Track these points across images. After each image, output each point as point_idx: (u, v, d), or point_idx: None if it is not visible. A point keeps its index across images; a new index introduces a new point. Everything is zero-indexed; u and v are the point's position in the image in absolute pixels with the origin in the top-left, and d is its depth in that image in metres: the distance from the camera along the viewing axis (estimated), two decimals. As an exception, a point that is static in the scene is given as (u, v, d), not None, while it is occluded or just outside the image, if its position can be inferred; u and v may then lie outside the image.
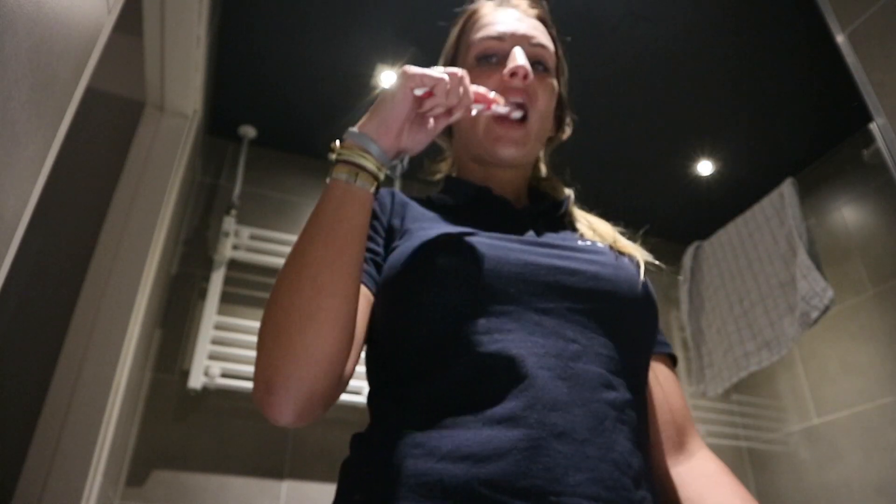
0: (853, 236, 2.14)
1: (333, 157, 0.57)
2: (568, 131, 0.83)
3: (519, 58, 0.68)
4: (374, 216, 0.67)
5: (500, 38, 0.72)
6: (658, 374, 0.69)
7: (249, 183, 2.19)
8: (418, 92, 0.58)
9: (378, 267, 0.63)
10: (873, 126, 1.09)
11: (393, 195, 0.71)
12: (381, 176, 0.57)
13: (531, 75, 0.68)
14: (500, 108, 0.65)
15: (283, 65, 1.95)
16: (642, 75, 1.95)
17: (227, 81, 2.02)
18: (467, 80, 0.59)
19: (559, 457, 0.49)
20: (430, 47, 2.04)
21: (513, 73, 0.67)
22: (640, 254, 0.67)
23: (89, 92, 0.71)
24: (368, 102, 2.07)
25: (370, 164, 0.56)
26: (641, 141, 2.22)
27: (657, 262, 0.69)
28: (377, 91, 2.02)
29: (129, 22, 1.39)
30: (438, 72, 0.58)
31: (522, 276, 0.58)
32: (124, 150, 1.55)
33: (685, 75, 1.95)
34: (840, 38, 1.16)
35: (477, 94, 0.62)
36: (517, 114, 0.68)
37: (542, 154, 0.84)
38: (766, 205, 2.18)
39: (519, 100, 0.69)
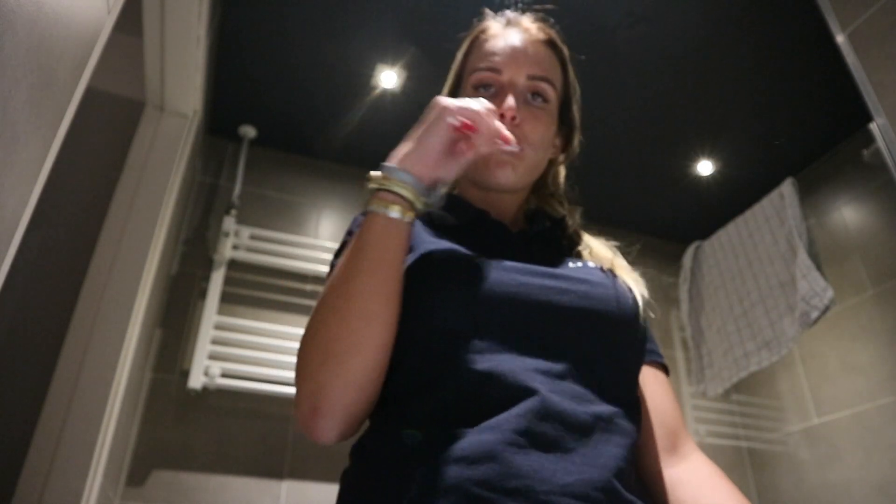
0: (853, 236, 2.14)
1: (373, 186, 0.58)
2: (573, 153, 0.83)
3: (508, 101, 0.70)
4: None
5: (497, 70, 0.73)
6: (650, 379, 0.70)
7: (249, 183, 2.19)
8: (452, 121, 0.59)
9: None
10: (873, 126, 1.09)
11: None
12: (419, 205, 0.58)
13: (518, 118, 0.70)
14: (509, 147, 0.66)
15: (284, 65, 1.95)
16: (642, 76, 1.95)
17: (227, 81, 2.02)
18: (495, 116, 0.62)
19: (549, 461, 0.51)
20: (430, 47, 2.04)
21: (501, 115, 0.69)
22: (638, 287, 0.68)
23: (89, 92, 0.71)
24: (369, 102, 2.05)
25: (409, 195, 0.57)
26: (641, 141, 2.22)
27: (650, 300, 0.70)
28: (377, 90, 2.03)
29: (129, 22, 1.39)
30: (476, 104, 0.60)
31: (516, 297, 0.60)
32: (124, 150, 1.55)
33: (685, 75, 1.95)
34: (840, 38, 1.16)
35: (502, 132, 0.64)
36: (511, 147, 0.68)
37: (553, 176, 0.84)
38: (766, 205, 2.18)
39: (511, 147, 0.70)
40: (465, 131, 0.59)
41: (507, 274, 0.62)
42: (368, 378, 0.55)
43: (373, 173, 0.59)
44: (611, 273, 0.68)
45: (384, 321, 0.56)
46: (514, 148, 0.66)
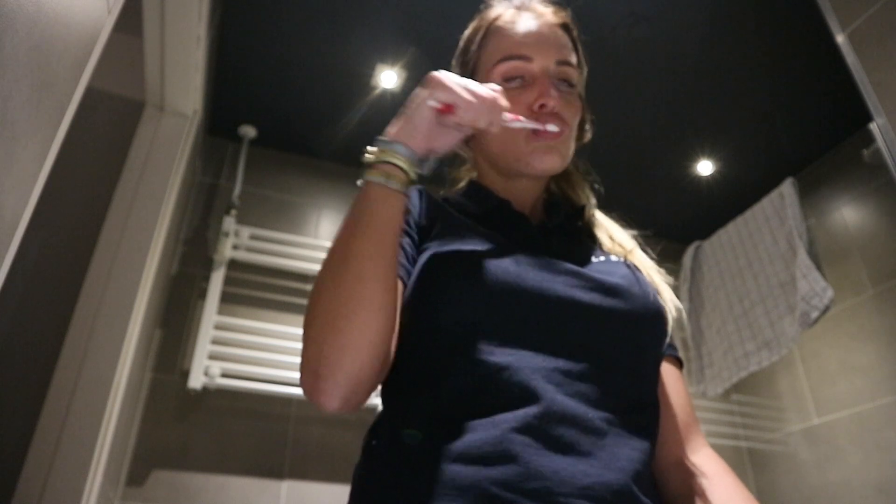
0: (853, 236, 2.14)
1: (369, 157, 0.59)
2: (589, 133, 0.83)
3: (552, 92, 0.68)
4: (406, 211, 0.68)
5: (527, 58, 0.71)
6: (665, 373, 0.70)
7: (249, 183, 2.19)
8: (432, 103, 0.58)
9: (408, 259, 0.64)
10: (873, 126, 1.09)
11: (421, 193, 0.72)
12: (413, 175, 0.59)
13: (558, 106, 0.69)
14: (535, 125, 0.66)
15: (283, 65, 1.95)
16: (642, 75, 1.95)
17: (227, 81, 2.02)
18: (502, 101, 0.61)
19: (567, 463, 0.51)
20: (431, 47, 2.04)
21: (542, 105, 0.68)
22: (668, 290, 0.67)
23: (89, 92, 0.71)
24: (368, 102, 2.04)
25: (404, 164, 0.58)
26: (641, 141, 2.22)
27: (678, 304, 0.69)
28: (377, 90, 2.03)
29: (129, 22, 1.39)
30: (464, 90, 0.58)
31: (538, 294, 0.59)
32: (124, 150, 1.55)
33: (685, 75, 1.95)
34: (840, 38, 1.16)
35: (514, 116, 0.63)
36: (552, 127, 0.68)
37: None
38: (766, 205, 2.18)
39: (553, 126, 0.69)
40: (446, 112, 0.59)
41: (528, 270, 0.61)
42: (367, 340, 0.53)
43: (369, 148, 0.60)
44: (635, 268, 0.68)
45: (379, 282, 0.55)
46: (554, 128, 0.67)
